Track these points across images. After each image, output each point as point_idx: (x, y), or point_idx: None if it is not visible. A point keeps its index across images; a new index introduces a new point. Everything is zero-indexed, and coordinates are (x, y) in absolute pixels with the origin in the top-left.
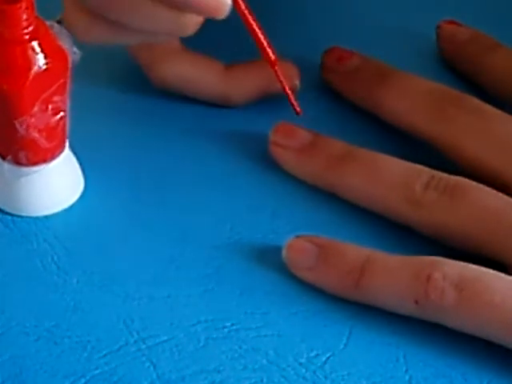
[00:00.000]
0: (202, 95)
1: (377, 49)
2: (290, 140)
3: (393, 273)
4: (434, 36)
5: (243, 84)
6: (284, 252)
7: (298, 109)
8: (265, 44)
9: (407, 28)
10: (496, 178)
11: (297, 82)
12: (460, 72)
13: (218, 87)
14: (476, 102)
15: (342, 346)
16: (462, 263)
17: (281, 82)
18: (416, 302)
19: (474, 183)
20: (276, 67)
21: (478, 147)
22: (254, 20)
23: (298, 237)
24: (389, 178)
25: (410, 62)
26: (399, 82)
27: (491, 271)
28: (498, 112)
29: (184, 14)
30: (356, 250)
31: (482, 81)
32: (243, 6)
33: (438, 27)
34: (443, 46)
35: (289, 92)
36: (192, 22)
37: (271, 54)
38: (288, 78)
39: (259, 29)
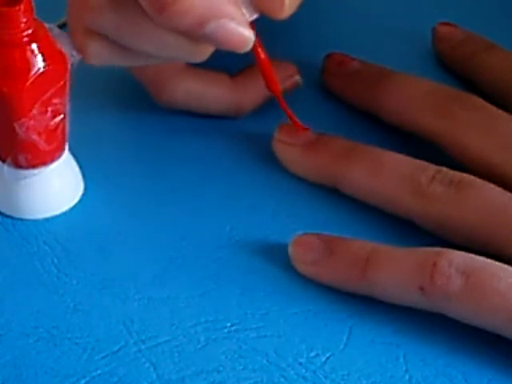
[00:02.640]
0: (212, 110)
1: (374, 50)
2: (294, 138)
3: (398, 261)
4: (430, 37)
5: (251, 91)
6: (290, 247)
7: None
8: (271, 74)
9: (404, 30)
10: (500, 176)
11: (298, 79)
12: (456, 73)
13: (227, 99)
14: (479, 100)
15: (341, 346)
16: (467, 253)
17: (285, 109)
18: (421, 289)
19: (479, 179)
20: (279, 95)
21: (481, 145)
22: (263, 51)
23: (304, 234)
24: (394, 171)
25: (406, 63)
26: (401, 82)
27: (494, 261)
28: (501, 111)
29: (201, 43)
30: (361, 243)
31: (477, 81)
32: (256, 39)
33: (434, 29)
34: (439, 47)
35: (292, 116)
36: (208, 50)
37: (276, 84)
38: (288, 78)
39: (268, 59)
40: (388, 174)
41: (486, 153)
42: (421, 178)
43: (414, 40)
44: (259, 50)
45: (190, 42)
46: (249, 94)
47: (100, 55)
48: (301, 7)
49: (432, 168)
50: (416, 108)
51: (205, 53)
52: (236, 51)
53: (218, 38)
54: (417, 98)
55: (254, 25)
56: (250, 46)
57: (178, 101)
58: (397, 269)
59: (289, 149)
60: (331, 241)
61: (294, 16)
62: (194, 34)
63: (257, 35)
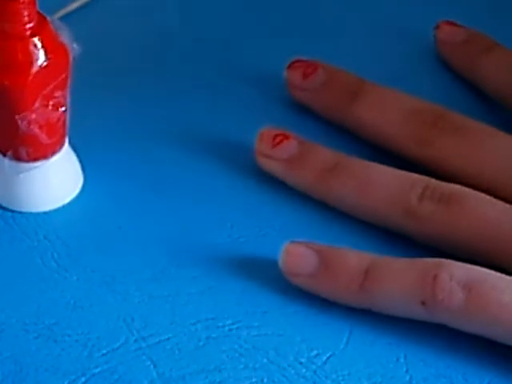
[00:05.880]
0: None
1: (375, 49)
2: (276, 150)
3: (398, 275)
4: (432, 36)
5: None
6: (281, 258)
7: None
8: None
9: (405, 28)
10: (486, 191)
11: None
12: (457, 72)
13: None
14: (459, 119)
15: (342, 346)
16: (466, 264)
17: None
18: (423, 303)
19: (470, 190)
20: None
21: (465, 167)
22: None
23: (293, 242)
24: (382, 190)
25: (407, 63)
26: (374, 100)
27: (495, 272)
28: (483, 126)
29: None
30: (358, 255)
31: (479, 81)
32: None
33: (436, 27)
34: (441, 46)
35: None
36: None
37: None
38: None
39: None
40: (376, 193)
41: (472, 172)
42: (410, 197)
43: (416, 39)
44: None
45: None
46: None
47: None
48: (298, 5)
49: (420, 182)
50: (394, 132)
51: None
52: None
53: None
54: (394, 120)
55: None
56: None
57: None
58: (397, 283)
59: (272, 163)
60: (325, 252)
61: (291, 13)
62: None
63: None
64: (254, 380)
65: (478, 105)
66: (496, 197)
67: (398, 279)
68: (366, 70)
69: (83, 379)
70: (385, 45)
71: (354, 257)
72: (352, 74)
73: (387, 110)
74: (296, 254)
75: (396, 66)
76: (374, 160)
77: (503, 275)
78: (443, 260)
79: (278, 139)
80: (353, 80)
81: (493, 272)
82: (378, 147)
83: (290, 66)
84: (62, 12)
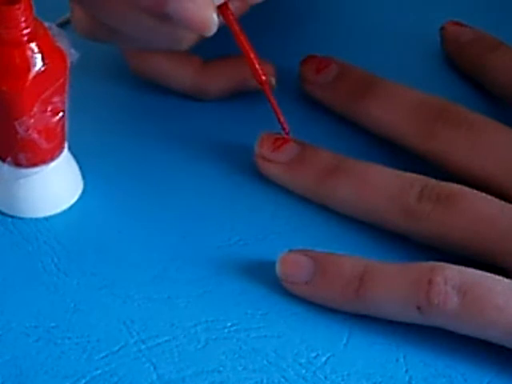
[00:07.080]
0: (177, 88)
1: (381, 51)
2: (276, 154)
3: (393, 280)
4: (439, 37)
5: (218, 76)
6: (278, 267)
7: (286, 128)
8: (256, 65)
9: (412, 30)
10: (489, 184)
11: (273, 80)
12: (464, 72)
13: (192, 80)
14: (463, 112)
15: (341, 347)
16: (461, 267)
17: (271, 100)
18: (418, 308)
19: (467, 189)
20: (266, 86)
21: (468, 160)
22: (246, 40)
23: (291, 251)
24: (381, 191)
25: (415, 64)
26: (383, 94)
27: (490, 274)
28: (487, 120)
29: (177, 29)
30: (352, 260)
31: (486, 81)
32: (237, 27)
33: (443, 28)
34: (448, 47)
35: (278, 111)
36: (186, 38)
37: (261, 74)
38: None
39: (251, 48)
40: (375, 195)
41: (474, 166)
42: (409, 197)
43: (423, 40)
44: (242, 38)
45: (167, 27)
46: (215, 78)
47: (93, 33)
48: (306, 8)
49: (419, 182)
50: (399, 124)
51: (186, 40)
52: (200, 33)
53: (181, 19)
54: (400, 112)
55: (230, 11)
56: (213, 28)
57: (145, 73)
58: (392, 288)
59: (271, 166)
60: (321, 259)
61: (301, 16)
62: (157, 13)
63: (239, 23)
64: (253, 381)
65: (484, 103)
66: (499, 189)
67: (393, 284)
68: (374, 70)
69: (83, 382)
70: (392, 45)
71: (349, 263)
72: (364, 70)
73: (396, 105)
74: (292, 263)
75: (403, 66)
76: (381, 154)
77: (498, 277)
78: (437, 264)
79: (278, 143)
80: (364, 75)
81: (488, 274)
82: (386, 141)
83: (304, 61)
84: (62, 19)
